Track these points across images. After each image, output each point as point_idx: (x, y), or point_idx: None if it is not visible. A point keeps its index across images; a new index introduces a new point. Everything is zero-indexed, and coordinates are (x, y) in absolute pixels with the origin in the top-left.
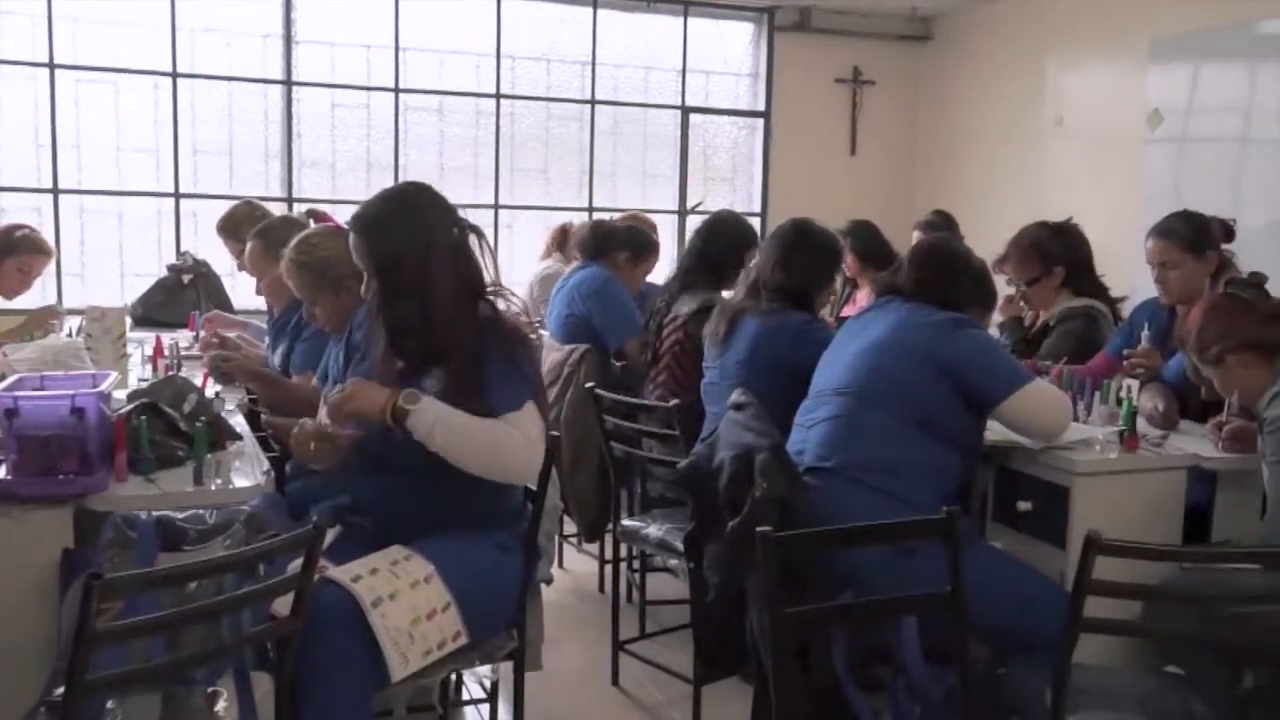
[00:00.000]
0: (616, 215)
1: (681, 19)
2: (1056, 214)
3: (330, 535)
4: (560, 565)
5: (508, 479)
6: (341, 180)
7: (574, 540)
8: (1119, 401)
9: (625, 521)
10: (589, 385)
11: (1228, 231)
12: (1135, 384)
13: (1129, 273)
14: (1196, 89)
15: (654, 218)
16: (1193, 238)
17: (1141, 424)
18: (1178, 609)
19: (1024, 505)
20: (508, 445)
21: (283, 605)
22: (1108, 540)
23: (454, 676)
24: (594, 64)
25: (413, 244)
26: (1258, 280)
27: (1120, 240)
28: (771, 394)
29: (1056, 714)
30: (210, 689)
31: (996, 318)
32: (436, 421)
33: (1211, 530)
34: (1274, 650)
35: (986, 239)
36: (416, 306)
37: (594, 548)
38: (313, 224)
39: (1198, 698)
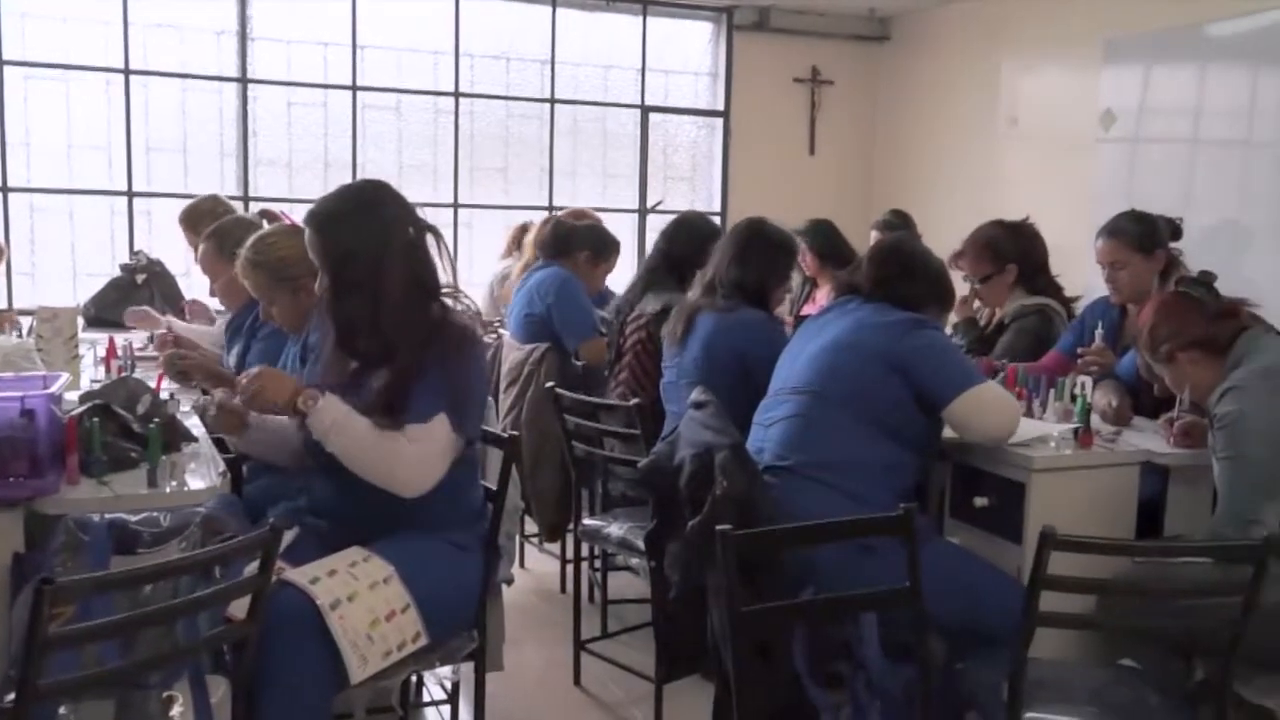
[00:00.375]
0: (560, 212)
1: (640, 18)
2: (1011, 213)
3: (288, 537)
4: (521, 565)
5: (396, 492)
6: (299, 179)
7: (535, 540)
8: (1074, 398)
9: (586, 521)
10: (549, 385)
11: (1175, 230)
12: (1090, 381)
13: (1083, 271)
14: (1148, 90)
15: (614, 216)
16: (1141, 237)
17: (1096, 420)
18: (1131, 602)
19: (981, 501)
20: (397, 461)
21: (239, 608)
22: (1062, 536)
23: (414, 678)
24: (553, 63)
25: (367, 241)
26: (1207, 279)
27: (1073, 239)
28: (728, 390)
29: (1013, 707)
30: (165, 693)
31: (951, 318)
32: (333, 425)
33: (1164, 524)
34: (1223, 642)
35: (943, 238)
36: (367, 304)
37: (555, 547)
38: (266, 224)
39: (1151, 690)
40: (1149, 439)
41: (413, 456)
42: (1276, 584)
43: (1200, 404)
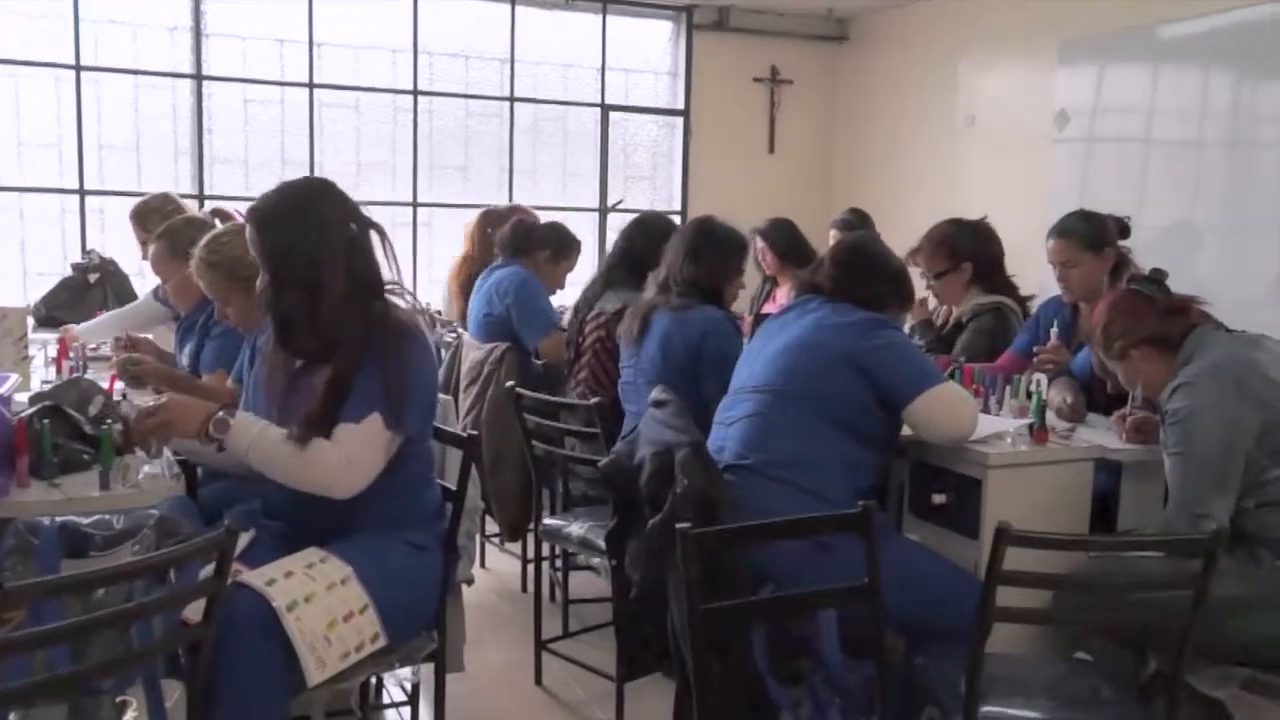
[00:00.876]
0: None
1: (600, 17)
2: (969, 211)
3: (244, 539)
4: (482, 565)
5: (330, 496)
6: (255, 176)
7: (496, 540)
8: (1029, 395)
9: (547, 520)
10: (510, 384)
11: (1123, 229)
12: (1044, 378)
13: (1039, 269)
14: (1102, 90)
15: (574, 215)
16: (1091, 236)
17: (1050, 417)
18: (1085, 597)
19: (938, 498)
20: (320, 468)
21: (195, 611)
22: (1018, 531)
23: (374, 679)
24: (513, 61)
25: (305, 237)
26: (1158, 277)
27: (1029, 237)
28: (686, 387)
29: (970, 702)
30: (119, 698)
31: (908, 320)
32: (251, 446)
33: (1118, 519)
34: (1175, 635)
35: (901, 236)
36: (306, 301)
37: (516, 547)
38: (218, 223)
39: (1105, 682)
40: (1103, 435)
41: (336, 461)
42: (1226, 577)
43: (1152, 400)
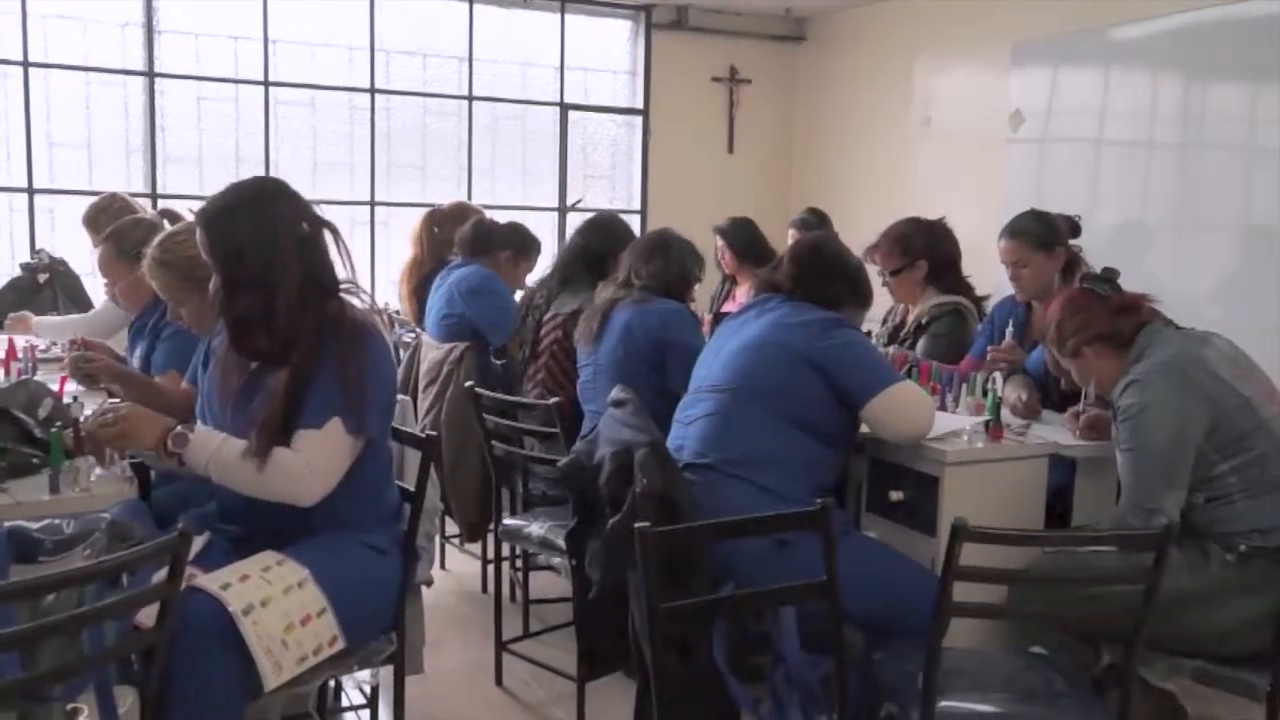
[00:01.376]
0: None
1: (559, 15)
2: (925, 211)
3: (198, 542)
4: (442, 566)
5: (293, 503)
6: (210, 175)
7: (456, 540)
8: (984, 393)
9: (507, 520)
10: (469, 384)
11: (1074, 228)
12: (1000, 376)
13: (995, 269)
14: (1055, 92)
15: (534, 215)
16: (1041, 236)
17: (1006, 414)
18: (1039, 591)
19: (896, 495)
20: (282, 478)
21: (148, 616)
22: (974, 527)
23: (332, 683)
24: (471, 60)
25: (256, 238)
26: (1110, 275)
27: (985, 236)
28: (647, 379)
29: (928, 697)
30: (70, 705)
31: (874, 326)
32: (210, 461)
33: (1072, 514)
34: (1128, 628)
35: (859, 235)
36: (259, 302)
37: (476, 548)
38: (167, 224)
39: (1059, 676)
40: (1057, 432)
41: (298, 469)
42: (1176, 571)
43: (1105, 397)
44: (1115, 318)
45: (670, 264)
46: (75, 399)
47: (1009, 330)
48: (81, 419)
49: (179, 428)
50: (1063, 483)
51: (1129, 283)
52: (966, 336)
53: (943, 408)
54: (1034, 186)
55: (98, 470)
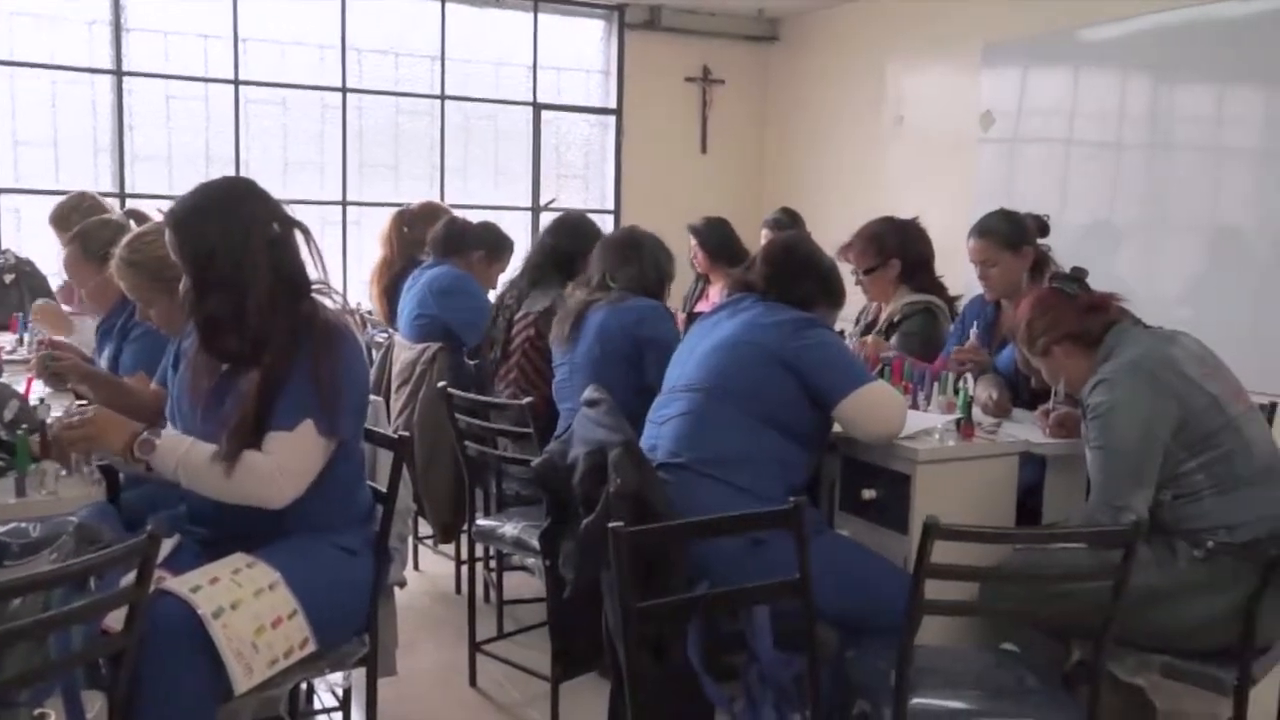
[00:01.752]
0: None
1: (531, 15)
2: (897, 211)
3: (168, 545)
4: (415, 567)
5: (264, 506)
6: (179, 174)
7: (429, 541)
8: (956, 391)
9: (481, 521)
10: (442, 384)
11: (1042, 227)
12: (971, 376)
13: (966, 268)
14: (1025, 92)
15: (506, 214)
16: (1010, 235)
17: (977, 413)
18: (1010, 588)
19: (868, 493)
20: (252, 482)
21: (117, 620)
22: (945, 525)
23: (304, 686)
24: (443, 59)
25: (227, 238)
26: (1079, 275)
27: (956, 236)
28: (623, 377)
29: (900, 694)
30: (37, 711)
31: (847, 325)
32: (179, 465)
33: (1043, 512)
34: (1097, 624)
35: (831, 235)
36: (229, 302)
37: (450, 548)
38: (133, 225)
39: (1030, 673)
40: (1027, 430)
41: (269, 472)
42: (1145, 567)
43: (1074, 395)
44: (1084, 317)
45: (645, 266)
46: (42, 400)
47: (973, 331)
48: (49, 421)
49: (145, 433)
50: (1033, 480)
51: (1098, 282)
52: (938, 335)
53: (915, 406)
54: (1004, 186)
55: (64, 474)
